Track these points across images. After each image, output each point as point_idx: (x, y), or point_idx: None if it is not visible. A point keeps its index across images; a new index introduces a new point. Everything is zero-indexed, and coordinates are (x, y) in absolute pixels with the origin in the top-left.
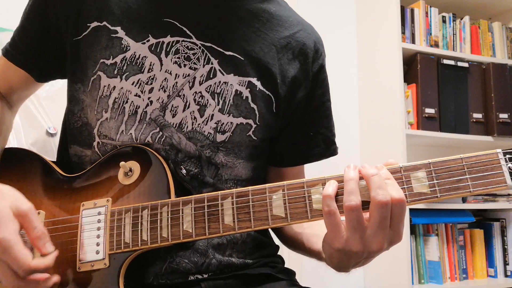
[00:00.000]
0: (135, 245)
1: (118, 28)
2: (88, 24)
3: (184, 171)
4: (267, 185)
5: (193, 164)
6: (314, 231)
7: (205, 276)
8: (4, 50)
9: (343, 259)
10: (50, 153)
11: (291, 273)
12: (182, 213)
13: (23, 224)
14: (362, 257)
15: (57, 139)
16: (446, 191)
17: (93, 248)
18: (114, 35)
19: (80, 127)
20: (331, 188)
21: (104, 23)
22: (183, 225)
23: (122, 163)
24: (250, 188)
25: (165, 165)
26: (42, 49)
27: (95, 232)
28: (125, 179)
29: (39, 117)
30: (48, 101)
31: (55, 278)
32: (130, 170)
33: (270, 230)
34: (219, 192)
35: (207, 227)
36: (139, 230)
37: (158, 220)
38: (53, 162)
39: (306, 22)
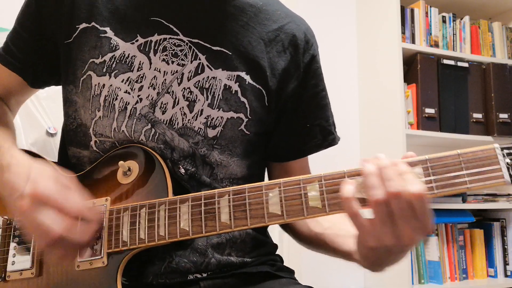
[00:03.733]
0: (133, 244)
1: (107, 29)
2: (77, 26)
3: (182, 170)
4: (263, 182)
5: (189, 163)
6: (336, 231)
7: (204, 275)
8: None
9: (379, 256)
10: (50, 153)
11: (290, 272)
12: (179, 211)
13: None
14: (397, 252)
15: (57, 139)
16: (443, 187)
17: (91, 246)
18: (103, 35)
19: (76, 128)
20: (347, 189)
21: (93, 23)
22: (180, 223)
23: (121, 162)
24: (246, 186)
25: (164, 165)
26: (36, 53)
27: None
28: (124, 179)
29: (39, 117)
30: (48, 101)
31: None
32: (129, 169)
33: (269, 228)
34: (216, 190)
35: (204, 225)
36: (137, 229)
37: (156, 219)
38: (54, 162)
39: (295, 14)
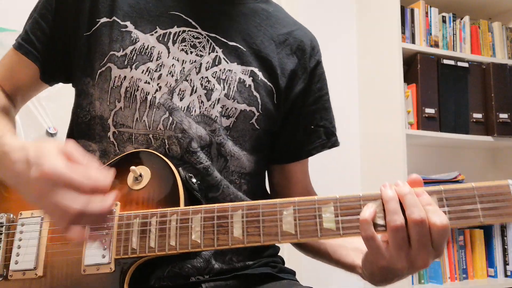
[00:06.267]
0: (142, 252)
1: (128, 23)
2: (97, 20)
3: (194, 180)
4: (277, 200)
5: (205, 155)
6: (340, 242)
7: (207, 277)
8: (16, 44)
9: (387, 276)
10: None
11: (291, 273)
12: (191, 222)
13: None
14: (407, 273)
15: (57, 139)
16: (457, 218)
17: (99, 251)
18: (124, 29)
19: (89, 121)
20: (368, 212)
21: (114, 18)
22: (191, 235)
23: (132, 167)
24: (261, 202)
25: (176, 173)
26: (53, 45)
27: (102, 235)
28: (135, 184)
29: (39, 117)
30: (48, 101)
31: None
32: (140, 175)
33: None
34: (229, 204)
35: (216, 239)
36: (147, 237)
37: (167, 228)
38: None
39: (300, 23)
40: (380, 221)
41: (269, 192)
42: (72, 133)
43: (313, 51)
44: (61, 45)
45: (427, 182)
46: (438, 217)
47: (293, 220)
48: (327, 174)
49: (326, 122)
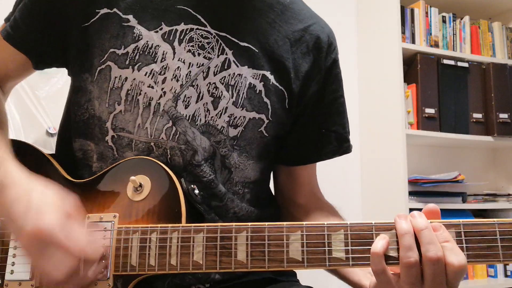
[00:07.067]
0: (142, 270)
1: (130, 17)
2: (97, 10)
3: (196, 191)
4: (285, 223)
5: (209, 168)
6: None
7: (207, 285)
8: (5, 33)
9: None
10: None
11: (291, 275)
12: (193, 242)
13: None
14: None
15: (57, 139)
16: (474, 256)
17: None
18: (125, 24)
19: (87, 120)
20: (380, 244)
21: (115, 10)
22: (193, 255)
23: (132, 178)
24: (267, 224)
25: (178, 185)
26: (46, 33)
27: (99, 249)
28: (135, 195)
29: (39, 117)
30: (48, 101)
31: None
32: (140, 185)
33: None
34: (234, 224)
35: (219, 261)
36: (147, 255)
37: (168, 247)
38: (55, 160)
39: (318, 16)
40: (393, 253)
41: (273, 192)
42: (67, 132)
43: (330, 49)
44: (56, 35)
45: (427, 182)
46: (456, 257)
47: (301, 246)
48: (327, 174)
49: (339, 127)
